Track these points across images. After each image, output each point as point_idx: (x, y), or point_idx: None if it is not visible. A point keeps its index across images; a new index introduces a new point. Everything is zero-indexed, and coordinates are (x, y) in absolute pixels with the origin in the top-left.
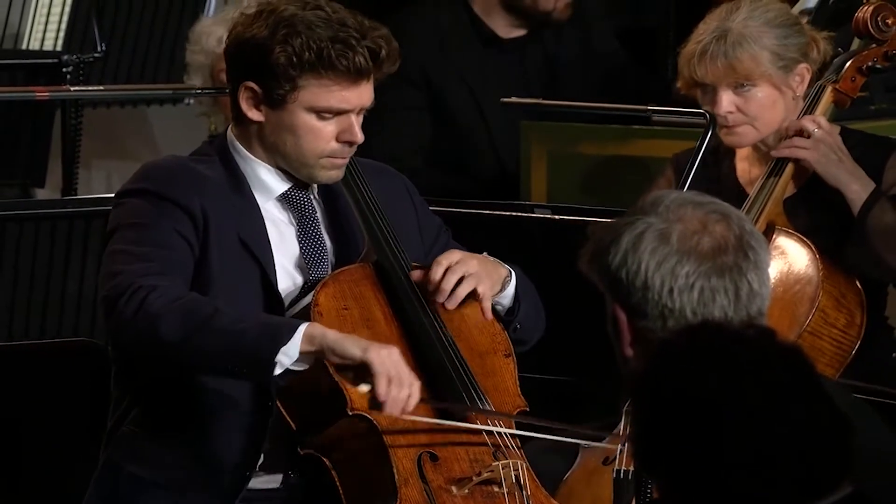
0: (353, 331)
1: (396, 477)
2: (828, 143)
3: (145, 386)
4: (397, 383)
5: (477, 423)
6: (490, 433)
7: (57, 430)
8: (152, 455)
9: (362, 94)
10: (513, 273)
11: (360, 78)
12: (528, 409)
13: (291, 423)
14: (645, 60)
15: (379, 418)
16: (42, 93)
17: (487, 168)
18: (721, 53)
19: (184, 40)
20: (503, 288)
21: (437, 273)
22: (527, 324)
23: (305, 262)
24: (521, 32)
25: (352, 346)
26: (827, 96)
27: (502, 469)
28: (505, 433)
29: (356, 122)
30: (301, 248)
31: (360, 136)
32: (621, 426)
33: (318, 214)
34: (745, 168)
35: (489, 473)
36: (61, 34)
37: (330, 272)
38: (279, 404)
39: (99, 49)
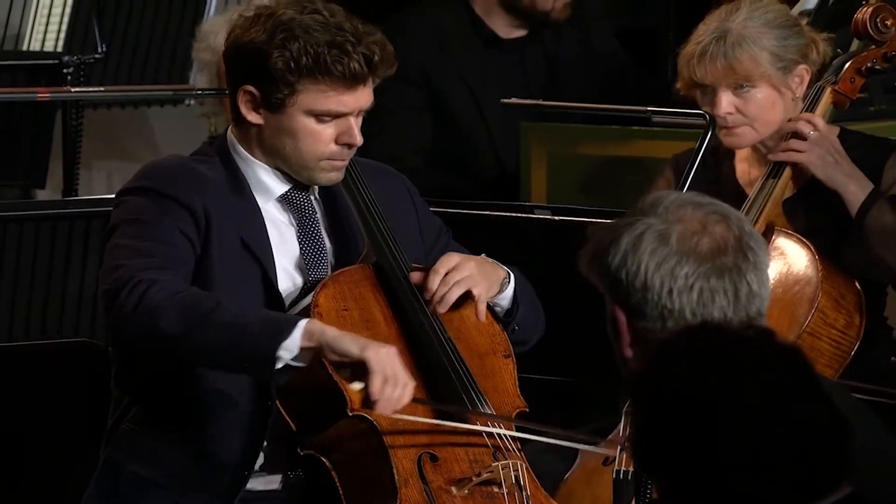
0: (353, 331)
1: (396, 477)
2: (824, 145)
3: (145, 385)
4: (392, 383)
5: (477, 424)
6: (490, 433)
7: (57, 430)
8: (152, 454)
9: (360, 98)
10: (511, 274)
11: (357, 83)
12: (527, 410)
13: (291, 423)
14: (645, 61)
15: (379, 419)
16: (43, 94)
17: (487, 168)
18: (721, 54)
19: (184, 41)
20: (501, 289)
21: (433, 281)
22: (526, 325)
23: (305, 263)
24: (521, 33)
25: (350, 343)
26: (826, 97)
27: (502, 469)
28: (504, 434)
29: (355, 124)
30: (301, 248)
31: (359, 139)
32: (621, 427)
33: (318, 215)
34: (745, 169)
35: (489, 474)
36: (62, 35)
37: (330, 273)
38: (279, 404)
39: (99, 50)
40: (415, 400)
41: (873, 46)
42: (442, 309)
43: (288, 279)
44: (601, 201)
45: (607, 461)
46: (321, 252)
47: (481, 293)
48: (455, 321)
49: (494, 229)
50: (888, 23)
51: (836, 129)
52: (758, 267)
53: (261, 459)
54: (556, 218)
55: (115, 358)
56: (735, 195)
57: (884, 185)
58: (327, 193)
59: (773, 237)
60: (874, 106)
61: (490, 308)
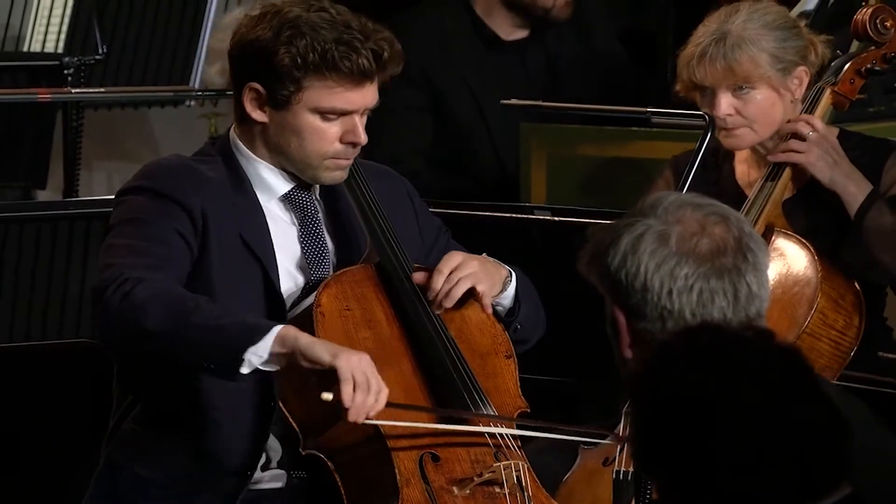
0: (355, 331)
1: (398, 477)
2: (823, 146)
3: (147, 385)
4: (363, 389)
5: (478, 425)
6: (491, 434)
7: (58, 430)
8: (153, 455)
9: (366, 96)
10: (513, 274)
11: (364, 80)
12: (528, 410)
13: (293, 423)
14: (645, 62)
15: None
16: (43, 95)
17: (487, 169)
18: (720, 56)
19: (185, 42)
20: (503, 289)
21: (438, 279)
22: (527, 324)
23: (307, 263)
24: (522, 34)
25: (322, 351)
26: (826, 98)
27: (503, 470)
28: (506, 434)
29: (360, 123)
30: (303, 248)
31: (363, 138)
32: (621, 427)
33: (321, 215)
34: (744, 170)
35: (490, 474)
36: (62, 36)
37: (332, 273)
38: (281, 405)
39: (100, 51)
40: (392, 405)
41: (873, 48)
42: (448, 304)
43: (290, 279)
44: (601, 202)
45: (607, 461)
46: (323, 252)
47: (485, 290)
48: (457, 321)
49: (494, 230)
50: (888, 24)
51: (836, 130)
52: (757, 268)
53: (263, 459)
54: (556, 219)
55: (116, 358)
56: (734, 196)
57: (883, 186)
58: (329, 193)
59: (773, 238)
60: (873, 107)
61: (492, 307)
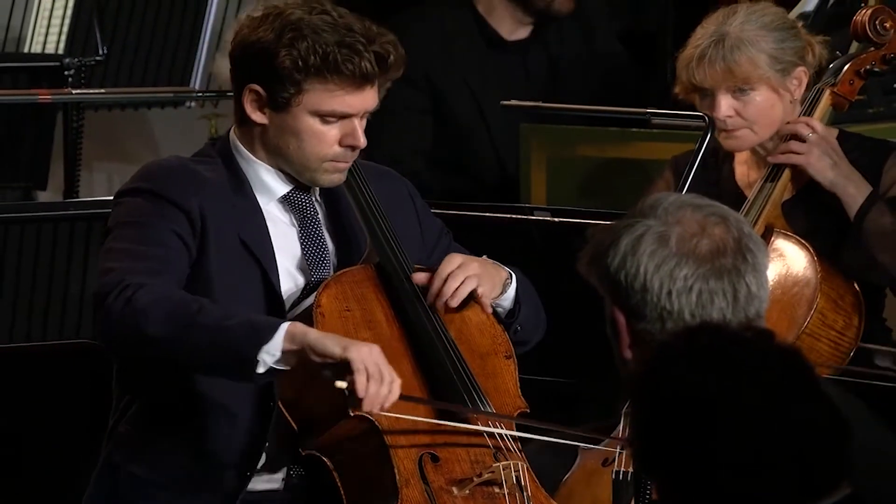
0: (355, 332)
1: (397, 478)
2: (823, 147)
3: (146, 385)
4: (377, 379)
5: (478, 425)
6: (491, 434)
7: (58, 430)
8: (153, 455)
9: (366, 99)
10: (513, 275)
11: (365, 83)
12: (528, 411)
13: (292, 423)
14: (644, 63)
15: (380, 419)
16: (44, 96)
17: (488, 170)
18: (719, 57)
19: (185, 43)
20: (504, 290)
21: (440, 281)
22: (527, 325)
23: (307, 264)
24: (524, 33)
25: (332, 344)
26: (825, 99)
27: (503, 470)
28: (505, 434)
29: (360, 126)
30: (303, 249)
31: (363, 141)
32: (620, 428)
33: (320, 216)
34: (744, 171)
35: (490, 474)
36: (63, 37)
37: (332, 274)
38: (280, 405)
39: (100, 52)
40: (403, 397)
41: (872, 49)
42: (454, 303)
43: (290, 280)
44: (601, 203)
45: (607, 462)
46: (323, 253)
47: (486, 292)
48: (457, 322)
49: (494, 231)
50: (887, 25)
51: (835, 131)
52: (757, 268)
53: (262, 459)
54: (556, 220)
55: (115, 359)
56: (734, 197)
57: (882, 187)
58: (329, 194)
59: (772, 239)
60: (873, 108)
61: (492, 309)
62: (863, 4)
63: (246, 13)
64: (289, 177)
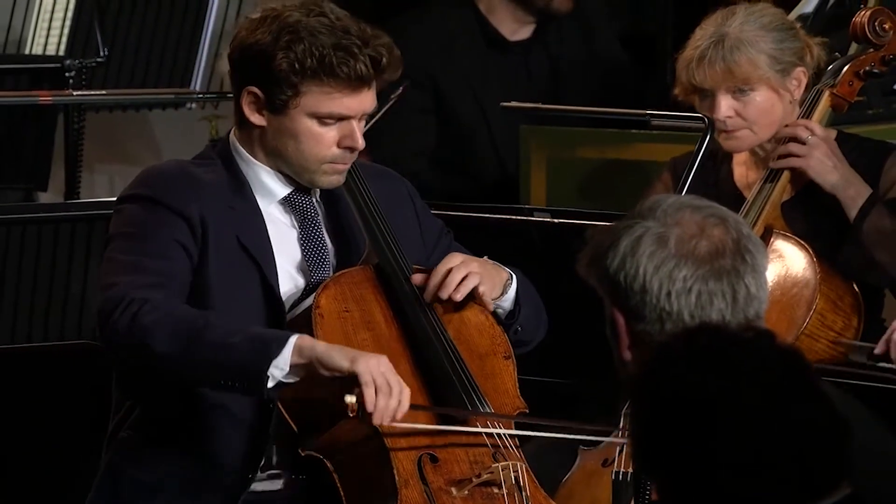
0: (354, 332)
1: (397, 478)
2: (822, 150)
3: (147, 389)
4: (385, 392)
5: (477, 426)
6: (490, 435)
7: (59, 432)
8: (153, 458)
9: (364, 101)
10: (514, 276)
11: (362, 85)
12: (527, 411)
13: (293, 425)
14: (644, 64)
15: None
16: (45, 97)
17: (488, 171)
18: (719, 58)
19: (186, 45)
20: (504, 291)
21: (440, 277)
22: (528, 326)
23: (307, 265)
24: (526, 34)
25: (340, 357)
26: (824, 101)
27: (502, 470)
28: (504, 434)
29: (358, 127)
30: (303, 250)
31: (361, 143)
32: (620, 428)
33: (320, 217)
34: (743, 172)
35: (489, 475)
36: (64, 39)
37: (331, 274)
38: (280, 407)
39: (101, 53)
40: (413, 406)
41: (871, 50)
42: (458, 297)
43: (289, 281)
44: (600, 204)
45: (606, 462)
46: (323, 254)
47: (486, 291)
48: (455, 322)
49: (494, 232)
50: (886, 26)
51: (834, 133)
52: (756, 269)
53: (262, 461)
54: (556, 221)
55: (115, 363)
56: (733, 198)
57: (881, 189)
58: (329, 195)
59: (772, 240)
60: (872, 109)
61: (492, 309)
62: (862, 6)
63: (246, 16)
64: (289, 178)
